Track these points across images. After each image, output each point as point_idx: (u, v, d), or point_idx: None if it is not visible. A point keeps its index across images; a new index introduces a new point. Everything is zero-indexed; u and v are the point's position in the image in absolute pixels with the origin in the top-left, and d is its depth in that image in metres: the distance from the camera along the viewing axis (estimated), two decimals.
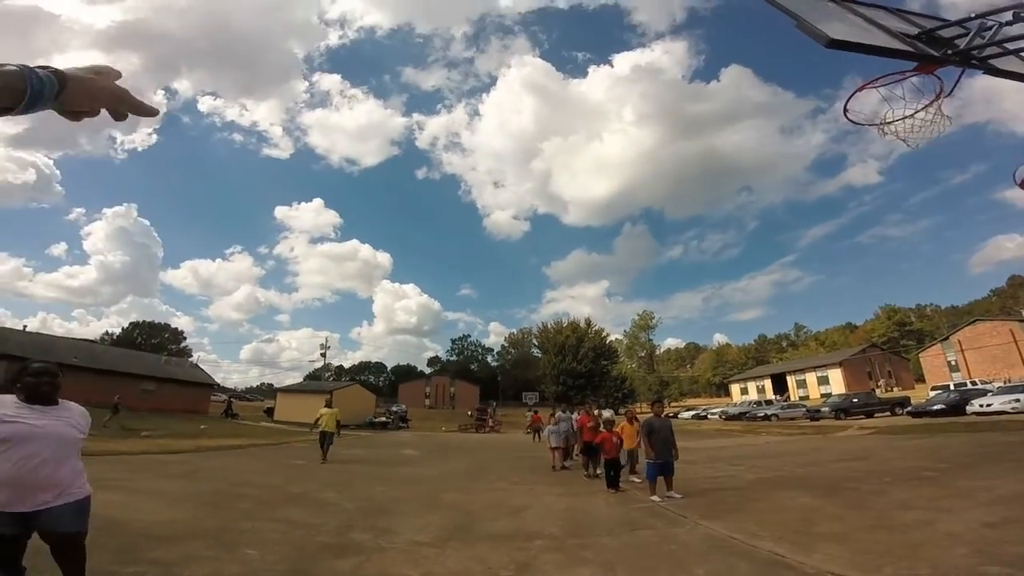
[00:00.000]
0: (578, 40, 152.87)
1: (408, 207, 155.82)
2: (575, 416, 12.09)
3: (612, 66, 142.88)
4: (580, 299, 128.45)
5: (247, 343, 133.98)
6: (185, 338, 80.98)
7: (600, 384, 54.17)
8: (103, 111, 0.77)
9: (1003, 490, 5.89)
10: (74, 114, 0.74)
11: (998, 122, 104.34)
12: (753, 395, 62.18)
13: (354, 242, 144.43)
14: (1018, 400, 18.26)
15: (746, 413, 36.17)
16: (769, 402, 43.08)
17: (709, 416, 40.29)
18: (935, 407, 21.97)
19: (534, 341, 71.51)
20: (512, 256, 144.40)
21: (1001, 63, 3.11)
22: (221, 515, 5.77)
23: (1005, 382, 29.31)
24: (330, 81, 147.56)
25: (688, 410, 48.71)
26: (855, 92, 3.41)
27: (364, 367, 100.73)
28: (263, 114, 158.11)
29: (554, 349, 57.26)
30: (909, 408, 24.57)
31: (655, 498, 6.92)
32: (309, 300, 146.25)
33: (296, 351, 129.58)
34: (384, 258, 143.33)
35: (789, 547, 4.21)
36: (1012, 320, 48.22)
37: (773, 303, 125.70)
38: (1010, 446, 10.18)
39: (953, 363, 49.64)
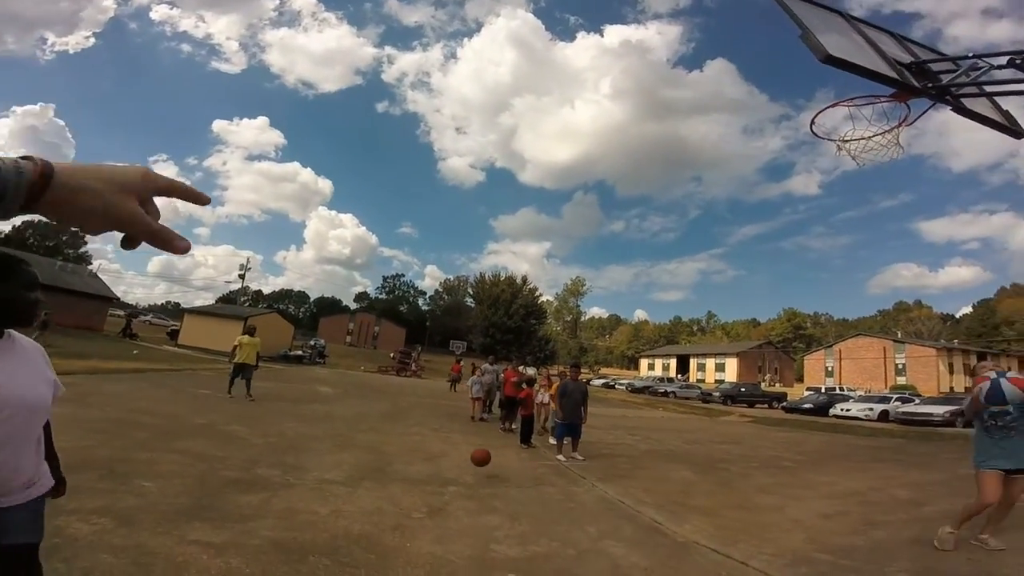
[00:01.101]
0: (575, 3, 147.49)
1: (361, 138, 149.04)
2: (501, 370, 12.56)
3: (602, 36, 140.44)
4: (521, 256, 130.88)
5: (157, 255, 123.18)
6: (86, 242, 71.96)
7: (526, 342, 55.95)
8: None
9: (841, 486, 6.91)
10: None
11: (939, 156, 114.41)
12: (659, 372, 67.18)
13: (295, 164, 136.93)
14: (871, 409, 21.21)
15: (649, 388, 39.08)
16: (671, 380, 46.87)
17: (617, 386, 43.04)
18: (805, 406, 25.04)
19: (470, 290, 71.84)
20: (461, 203, 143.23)
21: (971, 103, 3.30)
22: (114, 444, 5.44)
23: (866, 392, 33.87)
24: (303, 1, 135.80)
25: (600, 378, 51.74)
26: (829, 107, 3.59)
27: (285, 295, 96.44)
28: (221, 27, 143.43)
29: (488, 301, 57.97)
30: (784, 403, 27.83)
31: (560, 457, 7.51)
32: (235, 216, 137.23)
33: (212, 269, 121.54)
34: (325, 184, 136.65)
35: (667, 516, 4.83)
36: (887, 339, 55.33)
37: (694, 289, 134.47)
38: (856, 448, 11.84)
39: (830, 369, 56.38)
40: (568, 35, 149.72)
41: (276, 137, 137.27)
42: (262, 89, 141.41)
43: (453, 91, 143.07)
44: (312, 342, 37.55)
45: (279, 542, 3.35)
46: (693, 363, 69.67)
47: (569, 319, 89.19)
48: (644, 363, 77.91)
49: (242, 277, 47.39)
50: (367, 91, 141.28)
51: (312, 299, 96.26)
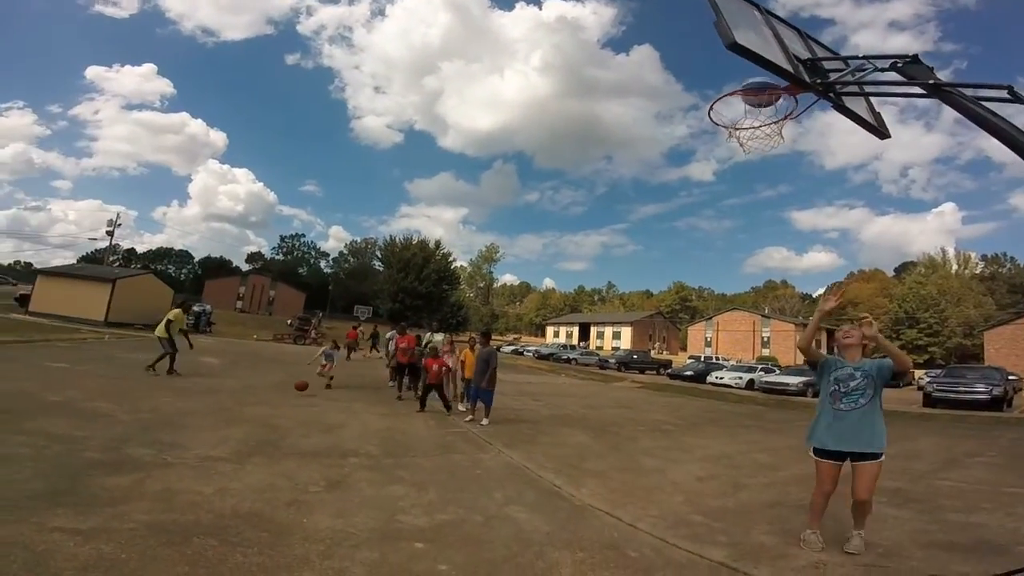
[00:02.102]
0: None
1: (265, 91, 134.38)
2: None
3: (540, 8, 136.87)
4: (436, 220, 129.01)
5: (4, 209, 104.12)
6: None
7: (438, 308, 55.34)
8: None
9: (713, 450, 7.62)
10: None
11: (817, 154, 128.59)
12: (563, 339, 70.51)
13: (184, 115, 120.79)
14: (740, 378, 23.56)
15: (553, 355, 40.65)
16: (573, 347, 49.35)
17: (525, 353, 44.45)
18: (686, 373, 27.46)
19: (378, 253, 69.09)
20: (375, 164, 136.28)
21: (850, 102, 3.49)
22: None
23: (737, 362, 38.29)
24: None
25: (509, 345, 53.01)
26: (726, 95, 3.70)
27: (164, 254, 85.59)
28: None
29: (398, 265, 56.08)
30: (669, 370, 30.50)
31: (468, 419, 7.87)
32: (104, 168, 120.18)
33: (73, 225, 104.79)
34: (219, 137, 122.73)
35: (565, 479, 5.11)
36: (756, 314, 62.87)
37: (597, 260, 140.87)
38: (726, 414, 13.23)
39: (709, 339, 62.93)
40: (507, 4, 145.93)
41: (164, 86, 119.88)
42: (153, 35, 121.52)
43: (377, 48, 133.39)
44: (196, 307, 33.82)
45: (157, 525, 3.10)
46: (593, 331, 73.74)
47: (482, 286, 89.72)
48: (550, 330, 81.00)
49: (111, 234, 41.15)
50: (278, 42, 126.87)
51: (196, 259, 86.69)
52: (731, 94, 3.69)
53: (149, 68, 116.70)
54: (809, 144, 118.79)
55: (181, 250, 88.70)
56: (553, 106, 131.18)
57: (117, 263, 51.54)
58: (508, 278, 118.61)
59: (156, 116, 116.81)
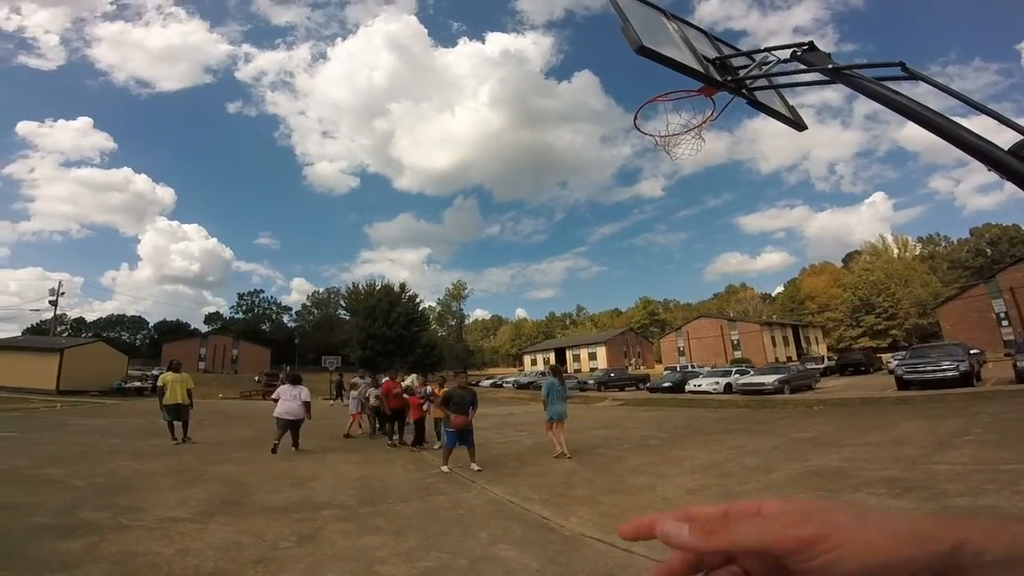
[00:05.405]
0: (459, 9, 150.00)
1: (208, 141, 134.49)
2: (372, 382, 12.04)
3: (483, 43, 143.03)
4: (399, 263, 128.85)
5: None
6: None
7: (410, 350, 54.27)
8: None
9: (700, 459, 7.41)
10: None
11: (752, 161, 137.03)
12: (540, 366, 70.13)
13: (127, 171, 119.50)
14: (717, 383, 23.64)
15: (533, 383, 40.28)
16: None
17: (504, 385, 43.86)
18: (665, 384, 27.34)
19: (342, 302, 67.87)
20: (331, 211, 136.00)
21: (763, 96, 3.48)
22: None
23: (712, 367, 38.73)
24: None
25: (488, 379, 52.22)
26: (647, 102, 3.69)
27: (116, 321, 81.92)
28: (40, 20, 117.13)
29: (363, 312, 55.15)
30: (648, 384, 30.52)
31: (444, 468, 7.06)
32: (44, 233, 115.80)
33: (15, 296, 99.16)
34: (166, 193, 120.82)
35: (553, 510, 4.90)
36: (722, 318, 64.51)
37: (564, 285, 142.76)
38: (709, 421, 13.05)
39: (681, 348, 63.88)
40: (450, 41, 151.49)
41: (103, 140, 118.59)
42: (82, 88, 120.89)
43: (321, 93, 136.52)
44: (155, 371, 32.46)
45: None
46: (569, 354, 73.78)
47: (453, 323, 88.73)
48: (527, 359, 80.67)
49: (54, 303, 39.08)
50: (218, 90, 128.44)
51: (152, 324, 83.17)
52: (650, 101, 3.72)
53: (85, 122, 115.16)
54: (743, 152, 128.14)
55: (134, 316, 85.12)
56: (506, 138, 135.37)
57: (66, 333, 48.84)
58: (479, 313, 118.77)
59: (97, 173, 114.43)
